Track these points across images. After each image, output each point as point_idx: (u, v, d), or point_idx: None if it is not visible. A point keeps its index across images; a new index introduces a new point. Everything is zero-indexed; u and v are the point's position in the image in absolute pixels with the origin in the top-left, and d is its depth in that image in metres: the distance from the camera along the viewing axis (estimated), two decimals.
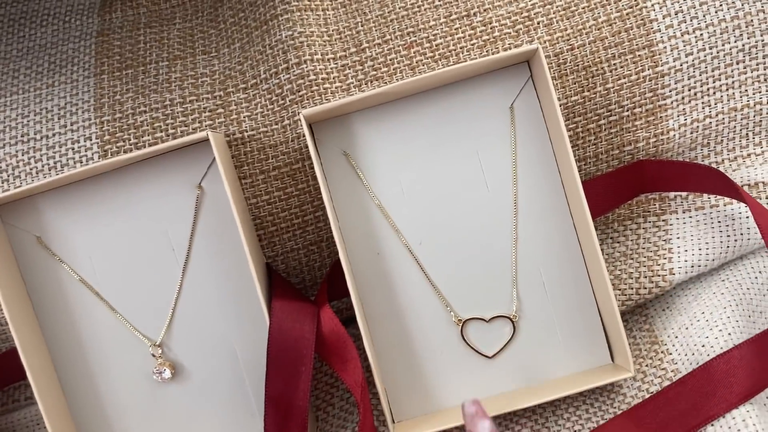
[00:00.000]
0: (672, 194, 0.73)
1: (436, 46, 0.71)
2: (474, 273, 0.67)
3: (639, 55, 0.69)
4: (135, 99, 0.72)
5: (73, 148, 0.71)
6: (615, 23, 0.70)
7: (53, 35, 0.78)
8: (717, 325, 0.66)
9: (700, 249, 0.70)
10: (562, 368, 0.67)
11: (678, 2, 0.69)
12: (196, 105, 0.71)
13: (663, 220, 0.72)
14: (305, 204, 0.71)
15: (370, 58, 0.71)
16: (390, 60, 0.71)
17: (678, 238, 0.71)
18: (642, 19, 0.69)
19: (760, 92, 0.71)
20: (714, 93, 0.71)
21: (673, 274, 0.69)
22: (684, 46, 0.69)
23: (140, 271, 0.67)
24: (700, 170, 0.68)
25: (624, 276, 0.71)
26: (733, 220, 0.70)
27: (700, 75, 0.70)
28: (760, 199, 0.70)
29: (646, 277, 0.70)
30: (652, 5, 0.70)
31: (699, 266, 0.70)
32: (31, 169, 0.71)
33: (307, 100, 0.69)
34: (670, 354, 0.67)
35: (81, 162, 0.70)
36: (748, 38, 0.70)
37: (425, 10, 0.72)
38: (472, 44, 0.70)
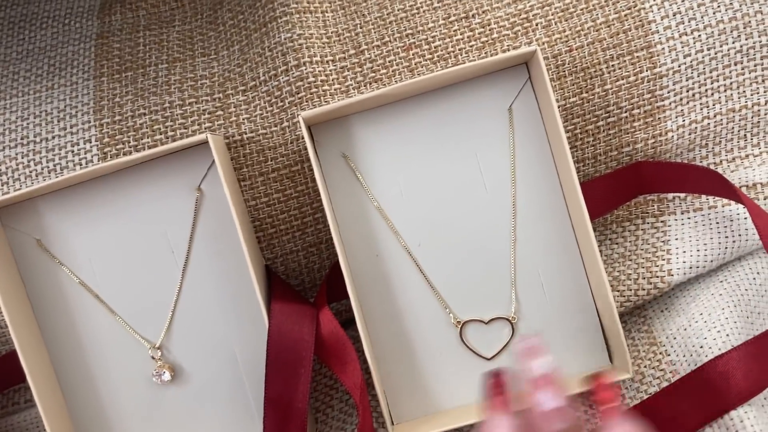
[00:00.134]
0: (670, 195, 0.73)
1: (435, 48, 0.71)
2: (473, 274, 0.68)
3: (637, 57, 0.70)
4: (134, 101, 0.72)
5: (72, 151, 0.71)
6: (613, 24, 0.70)
7: (53, 38, 0.78)
8: (715, 326, 0.66)
9: (698, 250, 0.70)
10: (560, 369, 0.67)
11: (676, 3, 0.70)
12: (196, 107, 0.71)
13: (661, 222, 0.72)
14: (304, 206, 0.71)
15: (369, 60, 0.71)
16: (389, 62, 0.71)
17: (676, 239, 0.71)
18: (640, 21, 0.69)
19: (758, 93, 0.71)
20: (712, 94, 0.71)
21: (672, 275, 0.69)
22: (682, 47, 0.69)
23: (140, 273, 0.67)
24: (697, 171, 0.68)
25: (623, 277, 0.71)
26: (732, 221, 0.70)
27: (699, 76, 0.70)
28: (758, 200, 0.70)
29: (644, 278, 0.70)
30: (650, 6, 0.70)
31: (697, 267, 0.70)
32: (30, 172, 0.71)
33: (307, 102, 0.69)
34: (669, 355, 0.67)
35: (81, 164, 0.70)
36: (746, 39, 0.70)
37: (424, 12, 0.72)
38: (471, 46, 0.70)
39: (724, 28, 0.70)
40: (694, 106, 0.71)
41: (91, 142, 0.71)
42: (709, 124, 0.72)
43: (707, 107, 0.71)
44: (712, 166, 0.74)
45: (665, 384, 0.65)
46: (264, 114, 0.70)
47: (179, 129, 0.71)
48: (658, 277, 0.70)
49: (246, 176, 0.70)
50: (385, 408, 0.65)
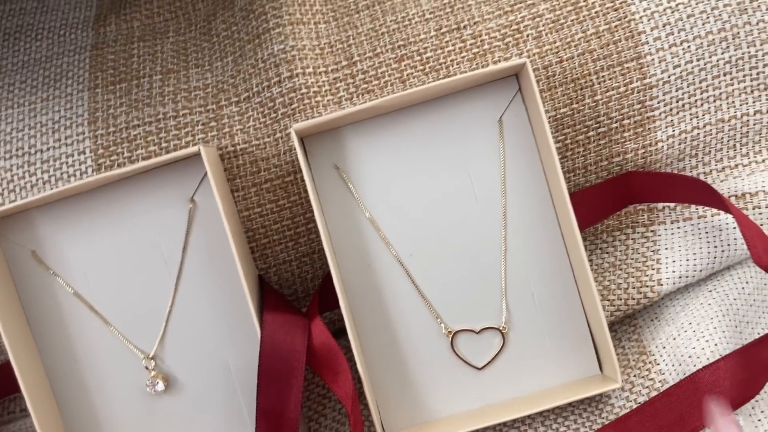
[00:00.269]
0: (660, 205, 0.73)
1: (427, 59, 0.71)
2: (464, 285, 0.68)
3: (627, 68, 0.70)
4: (128, 113, 0.72)
5: (67, 162, 0.71)
6: (603, 36, 0.70)
7: (48, 49, 0.78)
8: (704, 335, 0.66)
9: (688, 260, 0.70)
10: (551, 379, 0.68)
11: (666, 15, 0.70)
12: (189, 118, 0.72)
13: (651, 231, 0.73)
14: (297, 216, 0.71)
15: (362, 72, 0.72)
16: (381, 73, 0.71)
17: (666, 248, 0.71)
18: (630, 32, 0.70)
19: (747, 104, 0.72)
20: (702, 105, 0.72)
21: (662, 284, 0.70)
22: (672, 58, 0.70)
23: (133, 284, 0.68)
24: (687, 181, 0.69)
25: (613, 287, 0.71)
26: (721, 230, 0.70)
27: (688, 87, 0.71)
28: (747, 209, 0.71)
29: (634, 287, 0.70)
30: (640, 18, 0.70)
31: (687, 277, 0.70)
32: (26, 183, 0.71)
33: (299, 113, 0.70)
34: (658, 364, 0.67)
35: (75, 176, 0.71)
36: (735, 50, 0.70)
37: (416, 23, 0.73)
38: (462, 57, 0.71)
39: (714, 39, 0.70)
40: (684, 116, 0.72)
41: (85, 154, 0.71)
42: (698, 134, 0.72)
43: (697, 118, 0.72)
44: (701, 176, 0.74)
45: (654, 393, 0.66)
46: (257, 125, 0.71)
47: (173, 140, 0.71)
48: (647, 286, 0.70)
49: (239, 187, 0.70)
50: (376, 417, 0.65)
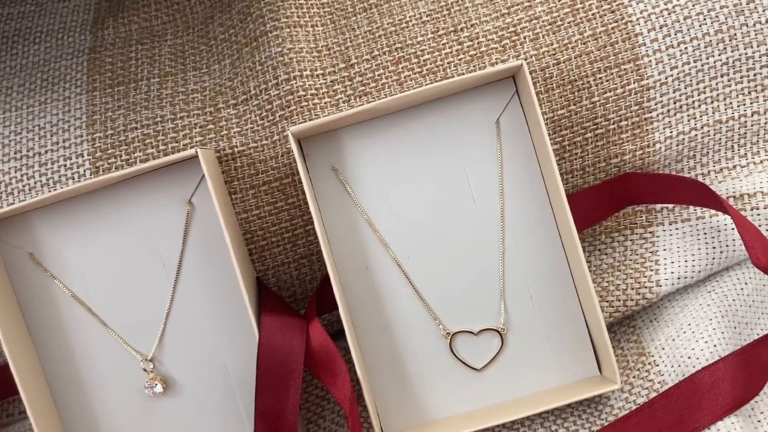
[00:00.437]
0: (658, 206, 0.73)
1: (424, 61, 0.71)
2: (462, 286, 0.68)
3: (624, 69, 0.70)
4: (126, 116, 0.73)
5: (65, 165, 0.71)
6: (600, 38, 0.70)
7: (46, 52, 0.78)
8: (703, 336, 0.66)
9: (686, 261, 0.70)
10: (550, 380, 0.68)
11: (662, 16, 0.70)
12: (187, 121, 0.72)
13: (650, 232, 0.73)
14: (295, 218, 0.71)
15: (359, 74, 0.72)
16: (378, 75, 0.71)
17: (665, 249, 0.71)
18: (627, 34, 0.70)
19: (744, 105, 0.72)
20: (699, 106, 0.72)
21: (660, 285, 0.70)
22: (669, 59, 0.70)
23: (132, 286, 0.68)
24: (684, 183, 0.69)
25: (611, 288, 0.71)
26: (719, 231, 0.70)
27: (686, 88, 0.71)
28: (745, 210, 0.71)
29: (633, 288, 0.70)
30: (637, 20, 0.70)
31: (685, 278, 0.70)
32: (24, 186, 0.71)
33: (297, 115, 0.70)
34: (657, 365, 0.67)
35: (73, 179, 0.71)
36: (732, 51, 0.71)
37: (413, 25, 0.73)
38: (460, 59, 0.71)
39: (711, 41, 0.70)
40: (682, 117, 0.72)
41: (83, 157, 0.71)
42: (696, 135, 0.72)
43: (694, 119, 0.72)
44: (699, 178, 0.74)
45: (653, 394, 0.66)
46: (255, 128, 0.71)
47: (171, 143, 0.71)
48: (646, 287, 0.70)
49: (237, 189, 0.70)
50: (375, 419, 0.65)
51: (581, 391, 0.65)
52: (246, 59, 0.73)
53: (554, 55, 0.70)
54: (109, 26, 0.80)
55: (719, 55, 0.71)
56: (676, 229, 0.72)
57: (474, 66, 0.71)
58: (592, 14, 0.71)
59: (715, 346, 0.66)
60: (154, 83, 0.74)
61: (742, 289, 0.70)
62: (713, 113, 0.72)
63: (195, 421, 0.68)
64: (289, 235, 0.72)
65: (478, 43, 0.71)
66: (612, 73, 0.70)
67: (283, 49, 0.72)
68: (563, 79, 0.70)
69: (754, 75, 0.71)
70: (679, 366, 0.66)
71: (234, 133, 0.71)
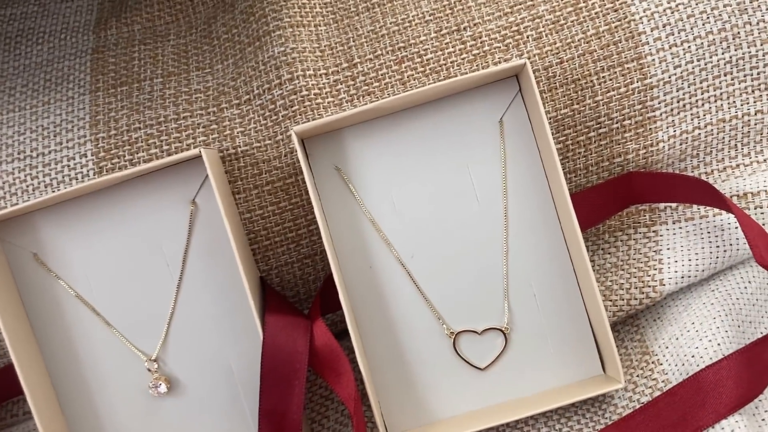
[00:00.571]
0: (662, 205, 0.73)
1: (427, 60, 0.71)
2: (466, 286, 0.68)
3: (628, 68, 0.70)
4: (130, 116, 0.73)
5: (68, 165, 0.71)
6: (604, 36, 0.70)
7: (49, 53, 0.79)
8: (707, 335, 0.66)
9: (690, 260, 0.70)
10: (553, 379, 0.68)
11: (666, 15, 0.70)
12: (190, 121, 0.72)
13: (653, 231, 0.73)
14: (299, 218, 0.71)
15: (362, 74, 0.72)
16: (381, 75, 0.72)
17: (668, 248, 0.71)
18: (630, 32, 0.70)
19: (747, 103, 0.72)
20: (702, 104, 0.72)
21: (664, 284, 0.70)
22: (672, 58, 0.70)
23: (135, 286, 0.68)
24: (688, 181, 0.69)
25: (615, 287, 0.71)
26: (723, 230, 0.70)
27: (689, 87, 0.71)
28: (749, 209, 0.71)
29: (636, 287, 0.70)
30: (640, 18, 0.70)
31: (689, 277, 0.70)
32: (27, 187, 0.71)
33: (300, 115, 0.70)
34: (661, 364, 0.67)
35: (77, 179, 0.71)
36: (735, 50, 0.71)
37: (416, 25, 0.73)
38: (463, 59, 0.71)
39: (714, 40, 0.70)
40: (685, 116, 0.72)
41: (86, 157, 0.71)
42: (699, 134, 0.72)
43: (698, 118, 0.72)
44: (703, 176, 0.74)
45: (657, 393, 0.66)
46: (258, 127, 0.71)
47: (174, 143, 0.71)
48: (650, 286, 0.70)
49: (241, 189, 0.70)
50: (379, 418, 0.65)
51: (585, 391, 0.65)
52: (249, 59, 0.73)
53: (557, 54, 0.70)
54: (112, 26, 0.80)
55: (722, 53, 0.71)
56: (680, 228, 0.72)
57: (477, 65, 0.71)
58: (595, 13, 0.71)
59: (719, 344, 0.66)
60: (157, 83, 0.74)
61: (745, 287, 0.70)
62: (716, 112, 0.72)
63: (199, 420, 0.68)
64: (293, 234, 0.72)
65: (481, 43, 0.71)
66: (615, 72, 0.70)
67: (286, 48, 0.72)
68: (566, 78, 0.70)
69: (758, 74, 0.71)
70: (683, 365, 0.66)
71: (237, 132, 0.71)
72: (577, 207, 0.65)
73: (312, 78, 0.71)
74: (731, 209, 0.65)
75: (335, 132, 0.68)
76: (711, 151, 0.74)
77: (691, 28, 0.70)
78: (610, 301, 0.71)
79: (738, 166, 0.74)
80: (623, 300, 0.71)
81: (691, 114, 0.72)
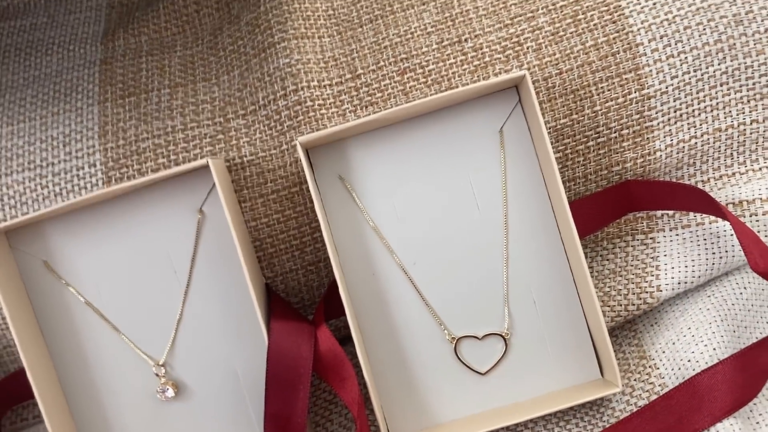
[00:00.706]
0: (659, 213, 0.75)
1: (429, 72, 0.73)
2: (466, 292, 0.69)
3: (626, 79, 0.71)
4: (138, 126, 0.74)
5: (78, 175, 0.73)
6: (602, 48, 0.72)
7: (58, 64, 0.80)
8: (702, 340, 0.67)
9: (686, 266, 0.71)
10: (553, 383, 0.69)
11: (663, 27, 0.71)
12: (197, 131, 0.73)
13: (651, 238, 0.74)
14: (303, 226, 0.73)
15: (365, 84, 0.73)
16: (384, 86, 0.73)
17: (665, 255, 0.73)
18: (628, 44, 0.71)
19: (743, 113, 0.73)
20: (699, 114, 0.73)
21: (661, 290, 0.71)
22: (669, 69, 0.71)
23: (143, 293, 0.69)
24: (684, 190, 0.70)
25: (613, 293, 0.72)
26: (719, 237, 0.72)
27: (686, 97, 0.72)
28: (744, 216, 0.72)
29: (634, 293, 0.72)
30: (638, 30, 0.71)
31: (686, 283, 0.71)
32: (37, 196, 0.73)
33: (305, 125, 0.71)
34: (658, 369, 0.68)
35: (86, 188, 0.72)
36: (731, 61, 0.72)
37: (418, 36, 0.74)
38: (464, 70, 0.72)
39: (710, 51, 0.72)
40: (682, 126, 0.73)
41: (95, 167, 0.73)
42: (696, 143, 0.73)
43: (694, 127, 0.73)
44: (699, 185, 0.75)
45: (654, 397, 0.67)
46: (263, 138, 0.72)
47: (181, 153, 0.72)
48: (647, 292, 0.71)
49: (246, 198, 0.72)
50: (382, 422, 0.66)
51: (583, 394, 0.66)
52: (254, 70, 0.75)
53: (557, 65, 0.71)
54: (120, 37, 0.81)
55: (719, 64, 0.72)
56: (677, 235, 0.73)
57: (478, 76, 0.72)
58: (594, 25, 0.72)
59: (714, 349, 0.67)
60: (164, 94, 0.76)
61: (741, 293, 0.71)
62: (713, 122, 0.73)
63: (206, 425, 0.69)
64: (298, 242, 0.73)
65: (482, 54, 0.73)
66: (613, 83, 0.71)
67: (291, 60, 0.73)
68: (566, 89, 0.71)
69: (753, 84, 0.73)
70: (679, 369, 0.67)
71: (243, 143, 0.72)
72: (576, 214, 0.67)
73: (316, 89, 0.72)
74: (726, 216, 0.66)
75: (339, 142, 0.70)
76: (707, 160, 0.75)
77: (688, 40, 0.71)
78: (609, 306, 0.72)
79: (734, 174, 0.75)
80: (621, 305, 0.72)
81: (688, 123, 0.73)
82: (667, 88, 0.72)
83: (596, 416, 0.68)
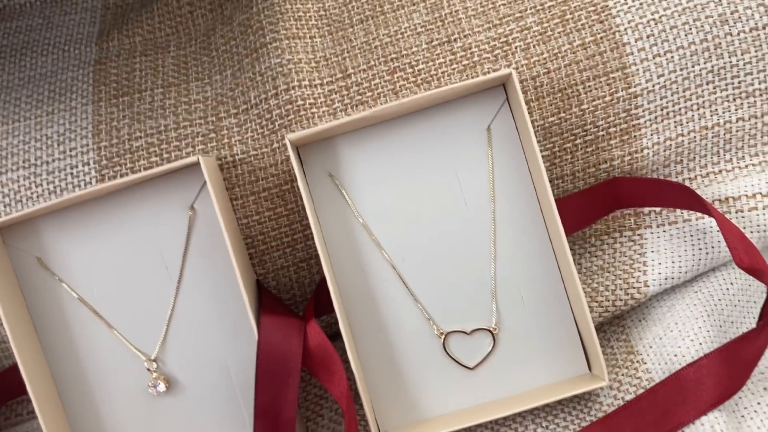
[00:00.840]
0: (646, 209, 0.75)
1: (419, 71, 0.73)
2: (455, 287, 0.70)
3: (613, 77, 0.72)
4: (131, 125, 0.75)
5: (72, 173, 0.73)
6: (589, 47, 0.72)
7: (53, 64, 0.81)
8: (689, 335, 0.68)
9: (673, 262, 0.72)
10: (540, 378, 0.70)
11: (650, 26, 0.72)
12: (190, 130, 0.74)
13: (638, 235, 0.75)
14: (294, 223, 0.73)
15: (356, 84, 0.74)
16: (374, 85, 0.74)
17: (652, 251, 0.73)
18: (615, 43, 0.72)
19: (729, 111, 0.74)
20: (685, 112, 0.74)
21: (648, 286, 0.72)
22: (656, 68, 0.72)
23: (136, 289, 0.70)
24: (671, 187, 0.71)
25: (601, 288, 0.73)
26: (705, 234, 0.72)
27: (672, 95, 0.73)
28: (730, 213, 0.73)
29: (621, 289, 0.72)
30: (625, 30, 0.72)
31: (673, 278, 0.72)
32: (32, 194, 0.73)
33: (296, 124, 0.72)
34: (645, 363, 0.69)
35: (79, 186, 0.73)
36: (717, 60, 0.73)
37: (408, 36, 0.75)
38: (453, 69, 0.73)
39: (696, 50, 0.72)
40: (669, 124, 0.74)
41: (89, 165, 0.73)
42: (683, 141, 0.74)
43: (681, 125, 0.74)
44: (686, 182, 0.76)
45: (641, 391, 0.67)
46: (255, 136, 0.73)
47: (174, 151, 0.73)
48: (635, 288, 0.72)
49: (238, 195, 0.72)
50: (371, 416, 0.67)
51: (571, 389, 0.66)
52: (246, 70, 0.75)
53: (544, 64, 0.72)
54: (114, 38, 0.82)
55: (704, 63, 0.73)
56: (664, 231, 0.74)
57: (467, 75, 0.73)
58: (581, 24, 0.73)
59: (701, 344, 0.67)
60: (157, 93, 0.76)
61: (727, 289, 0.72)
62: (699, 120, 0.74)
63: (197, 419, 0.70)
64: (288, 239, 0.74)
65: (470, 53, 0.73)
66: (600, 82, 0.72)
67: (282, 60, 0.74)
68: (553, 88, 0.72)
69: (739, 82, 0.73)
70: (666, 363, 0.68)
71: (235, 141, 0.73)
72: (564, 211, 0.67)
73: (307, 88, 0.73)
74: (712, 213, 0.67)
75: (329, 140, 0.70)
76: (694, 158, 0.76)
77: (674, 39, 0.72)
78: (597, 302, 0.73)
79: (720, 171, 0.76)
80: (609, 301, 0.72)
81: (675, 121, 0.74)
82: (653, 86, 0.72)
83: (584, 410, 0.69)
